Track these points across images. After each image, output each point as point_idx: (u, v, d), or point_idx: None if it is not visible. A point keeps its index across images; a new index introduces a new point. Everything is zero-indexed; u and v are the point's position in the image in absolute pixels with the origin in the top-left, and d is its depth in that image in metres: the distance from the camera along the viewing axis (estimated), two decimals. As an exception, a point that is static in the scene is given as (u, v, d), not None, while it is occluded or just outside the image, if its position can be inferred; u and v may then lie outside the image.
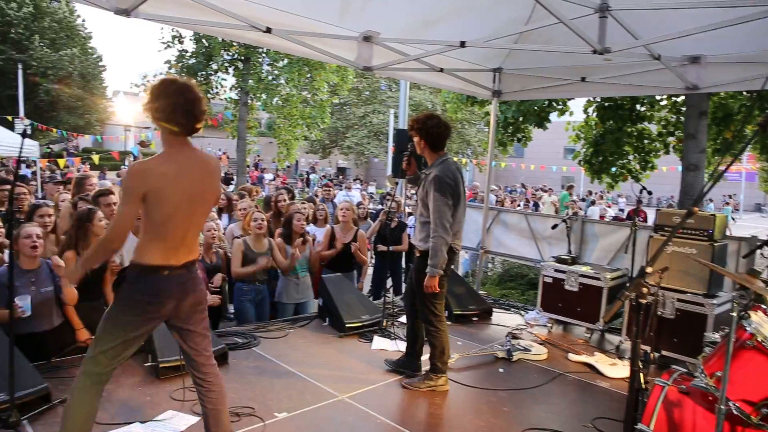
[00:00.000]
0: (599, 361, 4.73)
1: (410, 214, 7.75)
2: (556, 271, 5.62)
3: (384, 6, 4.76)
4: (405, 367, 4.26)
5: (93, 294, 4.15)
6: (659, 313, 4.60)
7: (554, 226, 6.32)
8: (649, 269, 2.38)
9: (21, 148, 2.93)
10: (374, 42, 5.07)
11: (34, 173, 15.36)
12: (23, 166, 19.27)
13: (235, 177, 20.06)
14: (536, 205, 16.86)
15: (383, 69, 5.49)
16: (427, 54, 5.28)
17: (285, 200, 6.20)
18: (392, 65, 5.41)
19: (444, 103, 31.54)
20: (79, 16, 37.51)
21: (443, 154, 3.99)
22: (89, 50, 37.86)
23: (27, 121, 24.59)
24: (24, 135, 2.93)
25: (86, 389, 2.60)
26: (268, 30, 4.33)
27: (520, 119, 9.87)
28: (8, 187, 5.81)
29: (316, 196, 11.00)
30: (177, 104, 2.52)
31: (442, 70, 5.79)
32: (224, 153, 40.61)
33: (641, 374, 2.51)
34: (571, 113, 10.06)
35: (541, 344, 5.12)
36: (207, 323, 2.85)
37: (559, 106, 9.81)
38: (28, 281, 3.72)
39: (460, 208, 3.90)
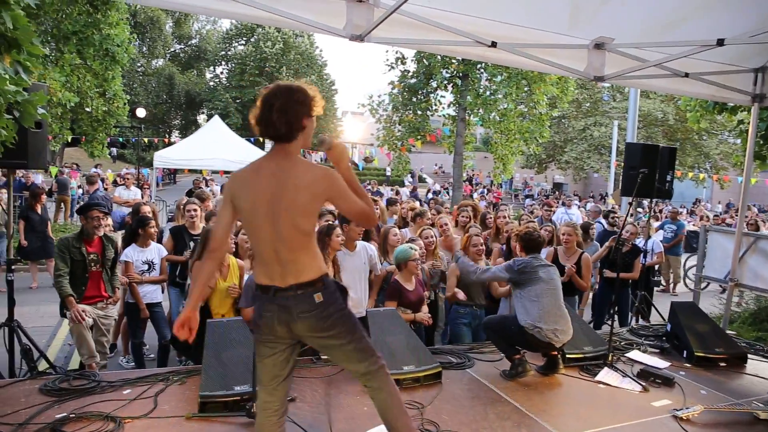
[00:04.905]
0: None
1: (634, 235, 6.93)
2: (842, 316, 4.49)
3: (620, 8, 4.34)
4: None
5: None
6: None
7: (837, 259, 5.09)
8: None
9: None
10: (607, 49, 4.65)
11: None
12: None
13: (451, 191, 20.52)
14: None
15: (616, 78, 5.01)
16: (672, 58, 4.68)
17: (505, 217, 6.01)
18: (627, 73, 4.91)
19: (678, 111, 28.16)
20: (317, 47, 42.67)
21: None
22: (324, 76, 42.76)
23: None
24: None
25: (259, 425, 2.57)
26: (494, 44, 4.25)
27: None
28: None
29: (530, 213, 10.53)
30: (259, 113, 2.48)
31: (687, 74, 5.09)
32: (440, 167, 42.07)
33: None
34: None
35: (820, 407, 4.11)
36: (347, 348, 2.53)
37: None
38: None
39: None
